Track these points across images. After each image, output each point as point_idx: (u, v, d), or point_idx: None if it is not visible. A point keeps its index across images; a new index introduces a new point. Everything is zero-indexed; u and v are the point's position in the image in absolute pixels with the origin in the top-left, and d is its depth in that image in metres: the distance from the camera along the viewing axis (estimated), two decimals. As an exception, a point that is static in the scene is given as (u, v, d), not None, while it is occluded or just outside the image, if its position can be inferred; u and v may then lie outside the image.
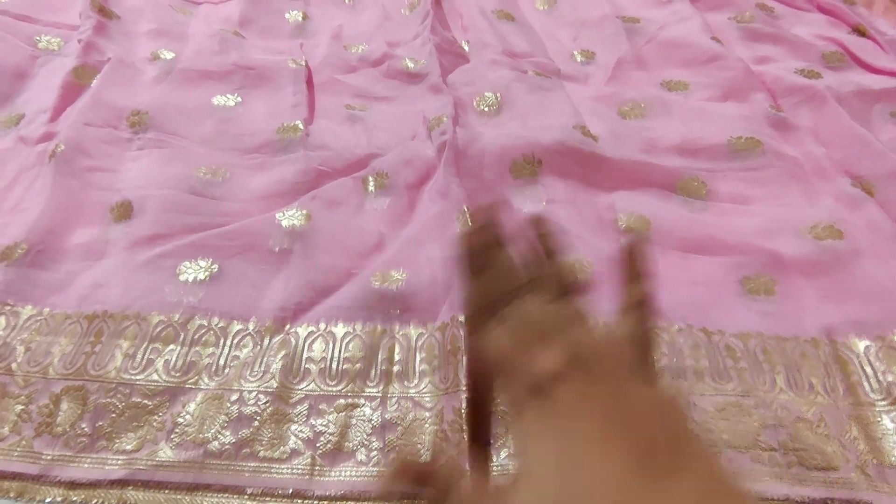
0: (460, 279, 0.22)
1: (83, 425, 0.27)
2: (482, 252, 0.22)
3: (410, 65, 0.49)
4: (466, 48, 0.53)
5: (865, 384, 0.29)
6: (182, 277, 0.33)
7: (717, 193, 0.39)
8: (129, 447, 0.27)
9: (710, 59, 0.50)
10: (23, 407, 0.28)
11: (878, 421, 0.27)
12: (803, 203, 0.39)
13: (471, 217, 0.23)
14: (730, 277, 0.33)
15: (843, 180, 0.39)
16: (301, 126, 0.42)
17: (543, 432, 0.18)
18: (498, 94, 0.45)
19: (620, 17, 0.56)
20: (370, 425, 0.27)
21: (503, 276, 0.21)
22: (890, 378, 0.29)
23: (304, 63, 0.49)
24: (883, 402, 0.28)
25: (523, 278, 0.21)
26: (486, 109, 0.45)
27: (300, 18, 0.56)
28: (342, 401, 0.28)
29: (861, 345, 0.30)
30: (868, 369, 0.29)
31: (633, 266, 0.23)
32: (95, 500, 0.25)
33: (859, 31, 0.54)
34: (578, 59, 0.53)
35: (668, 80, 0.49)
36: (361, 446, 0.27)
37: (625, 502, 0.16)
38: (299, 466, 0.26)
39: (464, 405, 0.27)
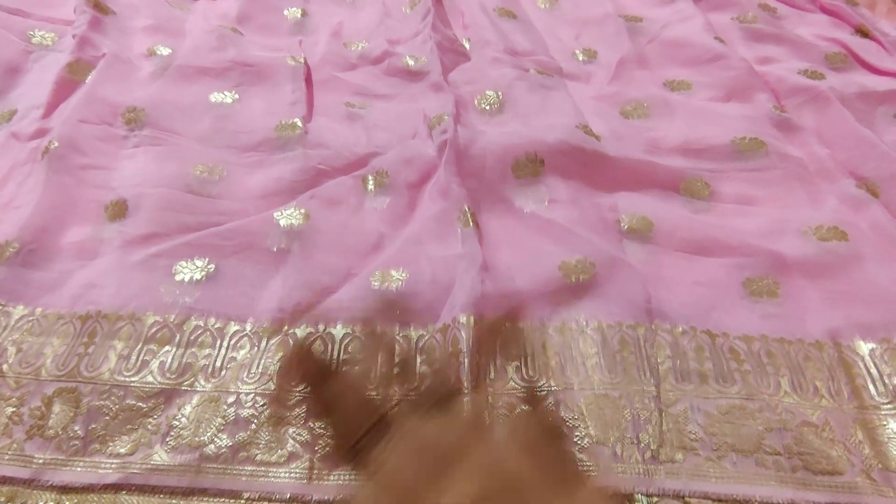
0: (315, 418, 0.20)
1: (76, 428, 0.27)
2: (316, 388, 0.19)
3: (411, 63, 0.49)
4: (467, 46, 0.52)
5: (871, 387, 0.29)
6: (178, 277, 0.32)
7: (720, 194, 0.39)
8: (122, 450, 0.26)
9: (713, 59, 0.49)
10: (14, 409, 0.27)
11: (884, 424, 0.27)
12: (807, 204, 0.38)
13: (284, 355, 0.23)
14: (733, 279, 0.33)
15: (848, 181, 0.39)
16: (300, 124, 0.42)
17: None
18: (499, 93, 0.45)
19: (623, 16, 0.55)
20: (369, 428, 0.27)
21: (356, 411, 0.18)
22: (895, 381, 0.29)
23: (303, 60, 0.48)
24: (888, 406, 0.28)
25: (380, 407, 0.18)
26: (488, 108, 0.44)
27: (299, 15, 0.55)
28: (341, 403, 0.28)
29: (866, 347, 0.30)
30: (874, 372, 0.29)
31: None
32: (88, 505, 0.25)
33: (862, 32, 0.54)
34: (580, 58, 0.52)
35: (671, 80, 0.49)
36: (360, 450, 0.26)
37: None
38: (297, 470, 0.26)
39: (466, 407, 0.26)
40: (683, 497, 0.25)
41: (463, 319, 0.28)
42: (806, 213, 0.37)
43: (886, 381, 0.29)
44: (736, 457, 0.26)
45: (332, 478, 0.26)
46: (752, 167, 0.40)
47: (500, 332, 0.23)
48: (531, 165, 0.38)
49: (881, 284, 0.32)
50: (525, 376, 0.29)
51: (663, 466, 0.25)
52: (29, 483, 0.25)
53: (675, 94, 0.47)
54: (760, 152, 0.41)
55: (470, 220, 0.34)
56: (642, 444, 0.26)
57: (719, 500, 0.24)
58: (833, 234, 0.35)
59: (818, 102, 0.45)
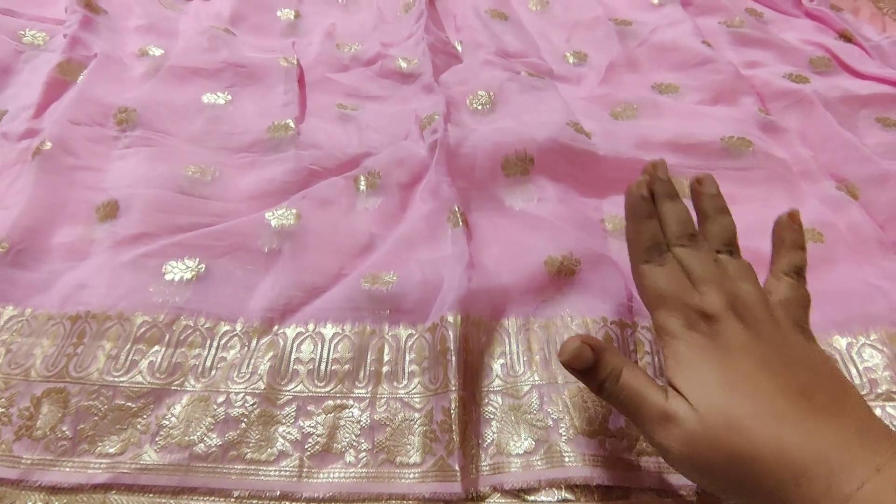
0: (630, 221, 0.25)
1: (64, 428, 0.27)
2: (655, 196, 0.25)
3: (403, 64, 0.49)
4: (460, 48, 0.53)
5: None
6: (168, 277, 0.32)
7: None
8: (112, 450, 0.26)
9: (701, 63, 0.50)
10: (3, 410, 0.27)
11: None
12: (788, 204, 0.39)
13: (645, 169, 0.25)
14: None
15: (828, 183, 0.40)
16: (292, 125, 0.42)
17: (703, 362, 0.20)
18: (491, 93, 0.45)
19: (613, 20, 0.56)
20: (359, 426, 0.27)
21: (672, 224, 0.24)
22: (872, 375, 0.29)
23: (295, 62, 0.48)
24: (866, 398, 0.29)
25: (689, 229, 0.24)
26: (479, 108, 0.45)
27: (292, 17, 0.55)
28: (331, 402, 0.28)
29: (843, 342, 0.31)
30: (851, 366, 0.30)
31: (791, 235, 0.25)
32: (77, 505, 0.25)
33: (846, 37, 0.55)
34: (571, 61, 0.53)
35: (660, 83, 0.50)
36: (350, 447, 0.27)
37: (786, 421, 0.18)
38: (287, 468, 0.26)
39: (453, 405, 0.26)
40: (660, 490, 0.25)
41: (450, 318, 0.29)
42: (787, 214, 0.38)
43: (863, 374, 0.30)
44: None
45: (321, 475, 0.26)
46: (738, 166, 0.41)
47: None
48: (521, 164, 0.39)
49: (852, 283, 0.33)
50: (510, 372, 0.29)
51: (642, 459, 0.26)
52: (17, 484, 0.25)
53: (664, 97, 0.48)
54: (747, 151, 0.41)
55: (459, 219, 0.35)
56: (620, 438, 0.26)
57: (696, 493, 0.25)
58: (809, 235, 0.36)
59: (802, 106, 0.46)
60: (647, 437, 0.21)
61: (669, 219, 0.24)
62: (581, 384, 0.27)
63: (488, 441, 0.27)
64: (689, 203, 0.26)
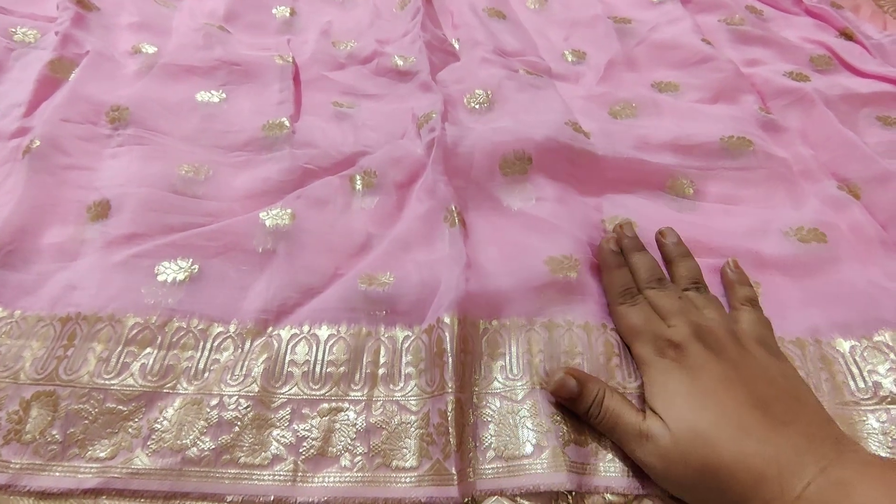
0: (604, 271, 0.31)
1: (54, 432, 0.26)
2: (624, 250, 0.31)
3: (400, 62, 0.49)
4: (457, 46, 0.52)
5: (851, 383, 0.29)
6: (160, 278, 0.32)
7: (704, 193, 0.39)
8: (102, 455, 0.26)
9: (701, 61, 0.50)
10: (-9, 413, 0.27)
11: (864, 420, 0.27)
12: (789, 205, 0.39)
13: (615, 229, 0.33)
14: (714, 279, 0.33)
15: (830, 183, 0.40)
16: (287, 123, 0.42)
17: (671, 383, 0.24)
18: (489, 92, 0.45)
19: (612, 18, 0.56)
20: (354, 429, 0.27)
21: (641, 272, 0.29)
22: (875, 377, 0.29)
23: (291, 59, 0.48)
24: (869, 402, 0.28)
25: (656, 274, 0.29)
26: (477, 107, 0.44)
27: (288, 14, 0.55)
28: (326, 405, 0.28)
29: (846, 345, 0.30)
30: (854, 369, 0.29)
31: (736, 276, 0.31)
32: (66, 510, 0.24)
33: (846, 35, 0.55)
34: (570, 59, 0.52)
35: (659, 81, 0.49)
36: (345, 451, 0.26)
37: (745, 431, 0.21)
38: (281, 472, 0.25)
39: (449, 407, 0.26)
40: (659, 496, 0.25)
41: (447, 319, 0.28)
42: (788, 214, 0.37)
43: (866, 377, 0.29)
44: None
45: (316, 480, 0.25)
46: (739, 166, 0.41)
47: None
48: (519, 163, 0.38)
49: (857, 284, 0.33)
50: (509, 375, 0.29)
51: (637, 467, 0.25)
52: (6, 489, 0.25)
53: (663, 96, 0.48)
54: (747, 151, 0.41)
55: (456, 219, 0.34)
56: (618, 447, 0.26)
57: None
58: (813, 235, 0.35)
59: (803, 104, 0.46)
60: (630, 454, 0.24)
61: (639, 267, 0.30)
62: None
63: (486, 445, 0.26)
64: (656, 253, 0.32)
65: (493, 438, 0.26)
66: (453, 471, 0.25)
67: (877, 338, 0.30)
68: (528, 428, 0.26)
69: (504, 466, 0.25)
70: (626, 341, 0.28)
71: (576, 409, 0.26)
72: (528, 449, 0.26)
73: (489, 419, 0.27)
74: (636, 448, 0.24)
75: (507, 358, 0.29)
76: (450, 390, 0.26)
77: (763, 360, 0.25)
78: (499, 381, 0.28)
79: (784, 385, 0.24)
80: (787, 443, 0.20)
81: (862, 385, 0.29)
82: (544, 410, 0.27)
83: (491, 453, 0.26)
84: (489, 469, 0.25)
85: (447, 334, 0.28)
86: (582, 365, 0.28)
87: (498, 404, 0.27)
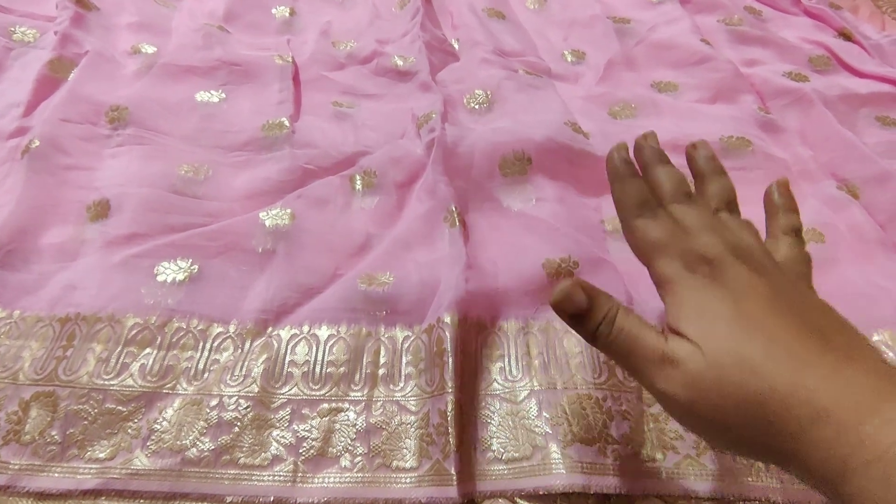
0: (613, 183, 0.23)
1: (53, 433, 0.26)
2: (644, 163, 0.23)
3: (399, 62, 0.49)
4: (456, 46, 0.52)
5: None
6: (160, 278, 0.32)
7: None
8: (102, 455, 0.26)
9: (700, 61, 0.50)
10: (-10, 414, 0.26)
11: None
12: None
13: (637, 140, 0.24)
14: None
15: (829, 183, 0.40)
16: (287, 123, 0.42)
17: (708, 303, 0.19)
18: (488, 92, 0.45)
19: (611, 18, 0.56)
20: (354, 430, 0.27)
21: (665, 185, 0.22)
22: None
23: (290, 59, 0.48)
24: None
25: (684, 188, 0.22)
26: (477, 107, 0.44)
27: (287, 14, 0.55)
28: (326, 405, 0.28)
29: (847, 346, 0.30)
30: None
31: (783, 200, 0.25)
32: (66, 511, 0.24)
33: (845, 36, 0.55)
34: (569, 59, 0.52)
35: (658, 81, 0.49)
36: (346, 451, 0.26)
37: (803, 362, 0.17)
38: (281, 473, 0.25)
39: (449, 407, 0.26)
40: (663, 496, 0.25)
41: (447, 319, 0.28)
42: (788, 214, 0.37)
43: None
44: (715, 453, 0.26)
45: (315, 480, 0.25)
46: (738, 166, 0.41)
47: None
48: (518, 163, 0.38)
49: (856, 284, 0.33)
50: (508, 376, 0.29)
51: (644, 466, 0.26)
52: (5, 489, 0.25)
53: (663, 95, 0.48)
54: (746, 151, 0.41)
55: (456, 219, 0.34)
56: (625, 445, 0.26)
57: (698, 498, 0.25)
58: (811, 235, 0.35)
59: (802, 104, 0.46)
60: (647, 386, 0.19)
61: (663, 180, 0.23)
62: (580, 390, 0.27)
63: (485, 445, 0.26)
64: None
65: (493, 440, 0.26)
66: (453, 471, 0.25)
67: (876, 337, 0.30)
68: (528, 430, 0.26)
69: (504, 469, 0.25)
70: (644, 259, 0.22)
71: (582, 330, 0.20)
72: (528, 451, 0.26)
73: (488, 420, 0.27)
74: (656, 375, 0.19)
75: (506, 360, 0.29)
76: (449, 390, 0.26)
77: (812, 292, 0.21)
78: (498, 383, 0.28)
79: (841, 319, 0.19)
80: (861, 379, 0.16)
81: None
82: (544, 413, 0.27)
83: (491, 455, 0.26)
84: (489, 471, 0.25)
85: (447, 334, 0.28)
86: (583, 363, 0.28)
87: (498, 406, 0.28)
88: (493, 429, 0.27)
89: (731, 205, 0.23)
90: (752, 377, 0.17)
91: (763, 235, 0.24)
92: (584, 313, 0.20)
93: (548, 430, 0.26)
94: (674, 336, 0.19)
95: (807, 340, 0.17)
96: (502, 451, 0.26)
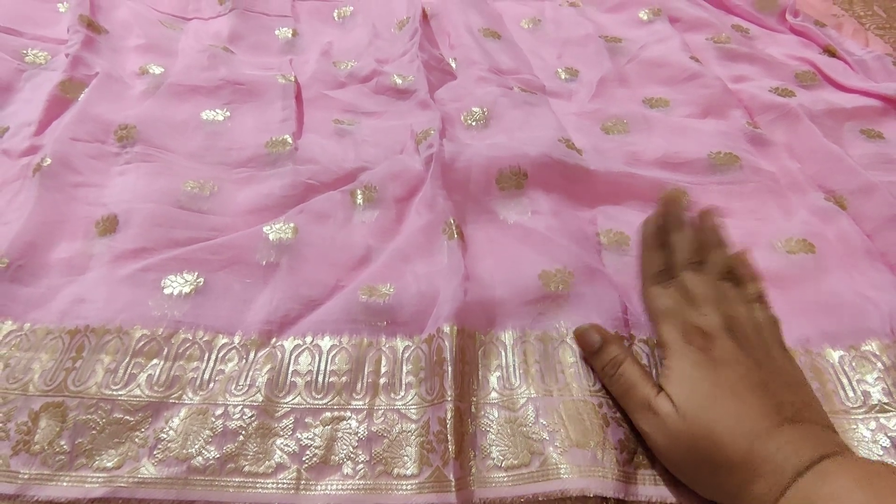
0: (643, 249, 0.31)
1: (62, 443, 0.27)
2: (665, 230, 0.30)
3: (398, 81, 0.50)
4: (454, 65, 0.54)
5: (841, 393, 0.30)
6: (166, 291, 0.32)
7: (697, 206, 0.40)
8: (109, 464, 0.26)
9: (690, 78, 0.51)
10: (1, 425, 0.27)
11: (854, 429, 0.28)
12: (778, 217, 0.40)
13: (659, 201, 0.31)
14: None
15: (817, 194, 0.41)
16: (290, 140, 0.43)
17: (694, 373, 0.24)
18: (485, 109, 0.46)
19: (603, 37, 0.57)
20: (356, 438, 0.27)
21: (680, 252, 0.29)
22: (864, 387, 0.30)
23: (293, 79, 0.49)
24: (859, 410, 0.29)
25: (695, 257, 0.29)
26: (474, 124, 0.45)
27: (290, 35, 0.56)
28: (328, 414, 0.28)
29: (835, 355, 0.31)
30: (843, 378, 0.30)
31: (746, 270, 0.30)
32: (74, 520, 0.25)
33: (830, 52, 0.57)
34: (563, 77, 0.54)
35: (650, 98, 0.51)
36: (348, 459, 0.27)
37: (756, 434, 0.22)
38: (285, 481, 0.26)
39: (448, 415, 0.27)
40: (655, 503, 0.25)
41: (447, 329, 0.29)
42: (777, 226, 0.39)
43: (855, 386, 0.30)
44: None
45: (318, 488, 0.26)
46: (727, 180, 0.42)
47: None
48: (515, 178, 0.40)
49: (844, 295, 0.34)
50: (507, 385, 0.29)
51: (638, 472, 0.26)
52: (14, 499, 0.25)
53: (654, 111, 0.49)
54: (735, 166, 0.42)
55: (454, 232, 0.35)
56: (621, 450, 0.26)
57: None
58: (801, 246, 0.36)
59: (789, 119, 0.47)
60: (635, 422, 0.26)
61: (682, 245, 0.29)
62: (576, 396, 0.28)
63: (485, 454, 0.27)
64: None
65: (493, 448, 0.27)
66: (452, 478, 0.25)
67: (864, 347, 0.31)
68: (525, 437, 0.27)
69: (504, 476, 0.26)
70: (654, 321, 0.28)
71: (591, 363, 0.28)
72: (526, 458, 0.26)
73: (487, 428, 0.28)
74: (642, 420, 0.25)
75: (504, 369, 0.30)
76: (449, 398, 0.27)
77: (784, 360, 0.26)
78: (496, 392, 0.29)
79: (799, 389, 0.25)
80: (787, 441, 0.22)
81: (852, 394, 0.29)
82: (541, 420, 0.27)
83: (490, 462, 0.26)
84: (489, 478, 0.26)
85: (447, 343, 0.29)
86: (578, 372, 0.29)
87: (496, 414, 0.28)
88: (493, 437, 0.27)
89: (731, 273, 0.29)
90: (716, 449, 0.22)
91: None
92: (595, 352, 0.27)
93: (545, 436, 0.27)
94: (662, 394, 0.25)
95: (766, 414, 0.23)
96: (501, 458, 0.26)
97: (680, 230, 0.30)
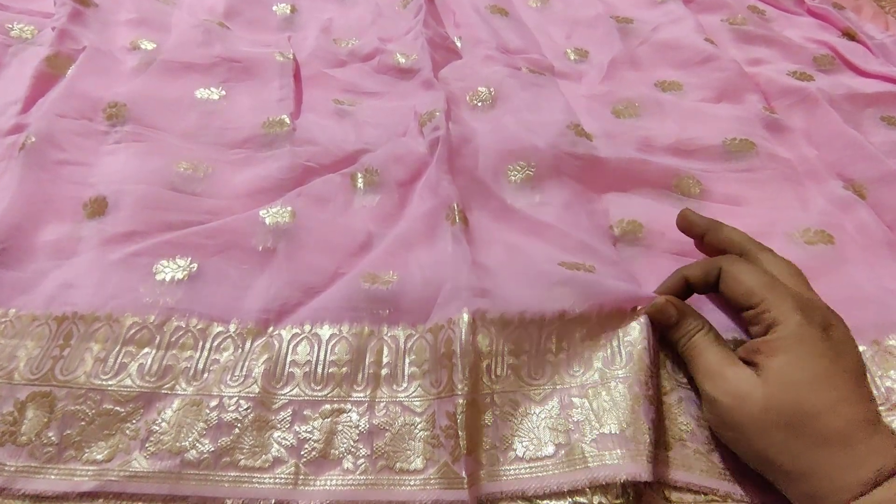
0: (671, 330, 0.29)
1: (50, 434, 0.25)
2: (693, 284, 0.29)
3: (401, 60, 0.48)
4: (459, 44, 0.52)
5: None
6: (159, 277, 0.31)
7: (711, 193, 0.39)
8: (99, 457, 0.25)
9: (704, 61, 0.50)
10: (-15, 414, 0.26)
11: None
12: (796, 205, 0.39)
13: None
14: None
15: (835, 183, 0.39)
16: (287, 120, 0.41)
17: (817, 347, 0.24)
18: (491, 89, 0.44)
19: (614, 17, 0.55)
20: (357, 431, 0.26)
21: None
22: (888, 383, 0.29)
23: (291, 56, 0.47)
24: (882, 408, 0.28)
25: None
26: (479, 104, 0.44)
27: (288, 11, 0.54)
28: (328, 406, 0.27)
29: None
30: (867, 375, 0.29)
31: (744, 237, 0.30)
32: (62, 514, 0.24)
33: (849, 35, 0.55)
34: (572, 58, 0.52)
35: (662, 81, 0.49)
36: (348, 453, 0.26)
37: (862, 419, 0.23)
38: (282, 475, 0.25)
39: (459, 410, 0.25)
40: (667, 484, 0.24)
41: (463, 317, 0.28)
42: (794, 215, 0.37)
43: (879, 382, 0.29)
44: (724, 452, 0.26)
45: (317, 483, 0.25)
46: (742, 167, 0.40)
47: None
48: (524, 167, 0.38)
49: (866, 287, 0.32)
50: (532, 375, 0.28)
51: (657, 454, 0.25)
52: (0, 491, 0.24)
53: (667, 95, 0.47)
54: (750, 153, 0.41)
55: (458, 217, 0.34)
56: (648, 431, 0.25)
57: (701, 493, 0.24)
58: (819, 237, 0.35)
59: (807, 104, 0.45)
60: (699, 386, 0.26)
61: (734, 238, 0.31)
62: (602, 380, 0.27)
63: (507, 445, 0.26)
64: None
65: (514, 439, 0.26)
66: (464, 474, 0.24)
67: (888, 342, 0.30)
68: (549, 428, 0.26)
69: (525, 467, 0.25)
70: (746, 295, 0.26)
71: (670, 337, 0.28)
72: (550, 449, 0.25)
73: (510, 419, 0.26)
74: (709, 384, 0.25)
75: (526, 358, 0.28)
76: (459, 392, 0.26)
77: (851, 347, 0.26)
78: (520, 381, 0.28)
79: (862, 367, 0.26)
80: (883, 440, 0.22)
81: (875, 392, 0.28)
82: (567, 410, 0.26)
83: (512, 454, 0.25)
84: (510, 470, 0.25)
85: (459, 334, 0.27)
86: (607, 357, 0.28)
87: (518, 405, 0.27)
88: (515, 427, 0.26)
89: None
90: (795, 437, 0.22)
91: None
92: (671, 326, 0.28)
93: (570, 426, 0.26)
94: (739, 362, 0.25)
95: (853, 386, 0.23)
96: (524, 450, 0.25)
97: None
